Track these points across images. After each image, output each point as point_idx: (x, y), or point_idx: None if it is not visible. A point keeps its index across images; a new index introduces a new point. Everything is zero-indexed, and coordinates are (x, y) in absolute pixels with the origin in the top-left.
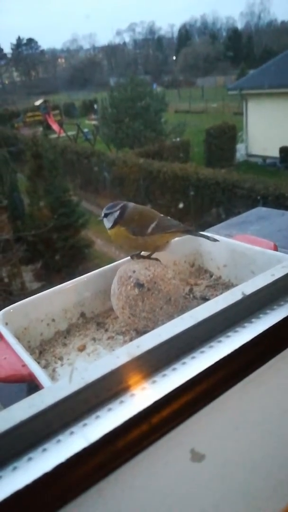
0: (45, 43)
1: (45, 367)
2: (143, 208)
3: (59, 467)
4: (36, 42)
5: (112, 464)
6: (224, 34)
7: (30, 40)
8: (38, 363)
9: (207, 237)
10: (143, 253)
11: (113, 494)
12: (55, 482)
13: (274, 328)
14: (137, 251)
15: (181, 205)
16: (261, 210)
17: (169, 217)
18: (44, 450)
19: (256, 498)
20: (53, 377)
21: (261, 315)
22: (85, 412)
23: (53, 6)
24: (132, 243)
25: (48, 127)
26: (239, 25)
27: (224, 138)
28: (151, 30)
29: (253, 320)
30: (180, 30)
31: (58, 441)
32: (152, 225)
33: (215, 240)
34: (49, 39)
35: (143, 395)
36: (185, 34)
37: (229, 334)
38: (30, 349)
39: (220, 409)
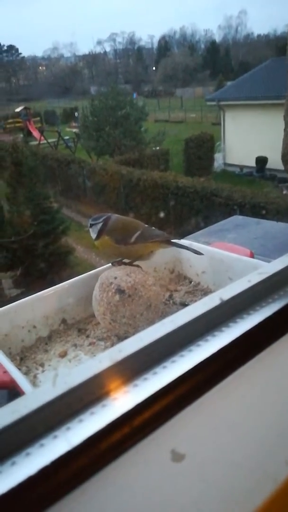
0: (25, 51)
1: (26, 373)
2: (126, 219)
3: (43, 470)
4: (17, 49)
5: (96, 466)
6: (203, 46)
7: (11, 47)
8: (19, 369)
9: (192, 250)
10: (124, 259)
11: (96, 495)
12: (39, 485)
13: (250, 332)
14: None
15: (160, 213)
16: (238, 219)
17: (153, 228)
18: (28, 454)
19: (234, 495)
20: (34, 383)
21: (238, 320)
22: (68, 416)
23: (33, 13)
24: (116, 252)
25: (28, 134)
26: (217, 38)
27: (202, 148)
28: (131, 41)
29: (230, 324)
30: (159, 41)
31: (42, 445)
32: (136, 235)
33: (200, 253)
34: (30, 47)
35: (125, 398)
36: (165, 45)
37: (208, 338)
38: (11, 356)
39: (199, 410)
